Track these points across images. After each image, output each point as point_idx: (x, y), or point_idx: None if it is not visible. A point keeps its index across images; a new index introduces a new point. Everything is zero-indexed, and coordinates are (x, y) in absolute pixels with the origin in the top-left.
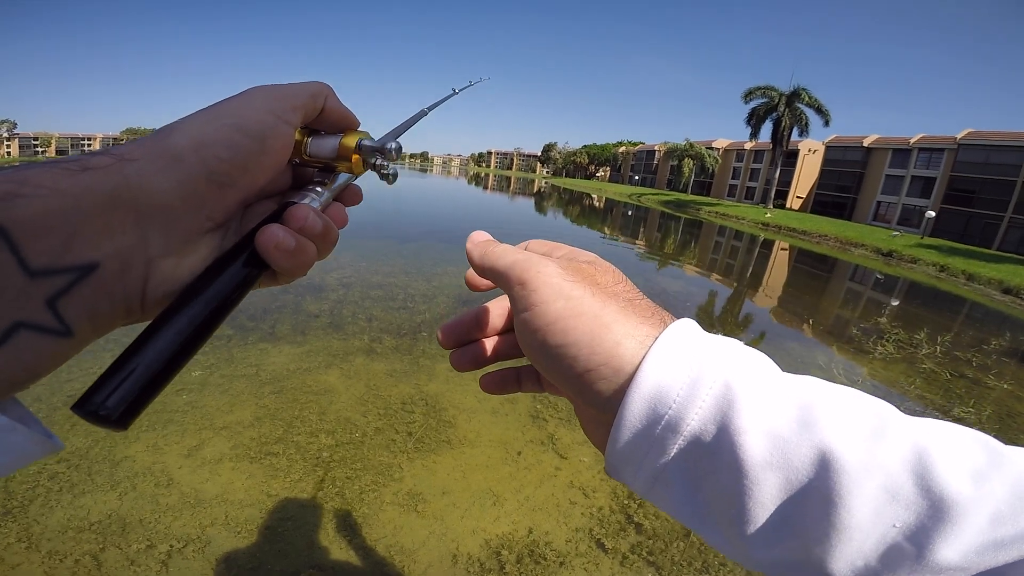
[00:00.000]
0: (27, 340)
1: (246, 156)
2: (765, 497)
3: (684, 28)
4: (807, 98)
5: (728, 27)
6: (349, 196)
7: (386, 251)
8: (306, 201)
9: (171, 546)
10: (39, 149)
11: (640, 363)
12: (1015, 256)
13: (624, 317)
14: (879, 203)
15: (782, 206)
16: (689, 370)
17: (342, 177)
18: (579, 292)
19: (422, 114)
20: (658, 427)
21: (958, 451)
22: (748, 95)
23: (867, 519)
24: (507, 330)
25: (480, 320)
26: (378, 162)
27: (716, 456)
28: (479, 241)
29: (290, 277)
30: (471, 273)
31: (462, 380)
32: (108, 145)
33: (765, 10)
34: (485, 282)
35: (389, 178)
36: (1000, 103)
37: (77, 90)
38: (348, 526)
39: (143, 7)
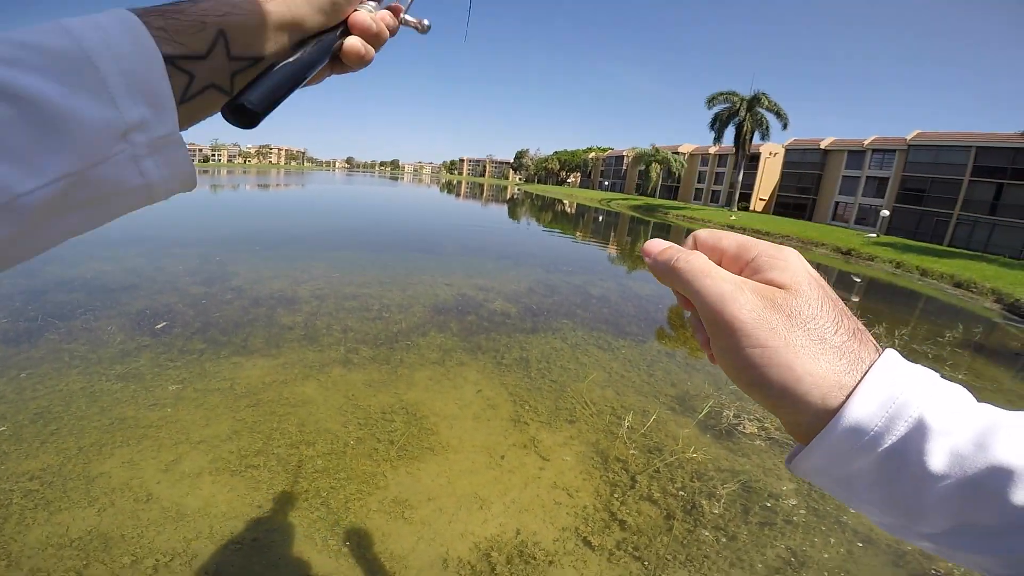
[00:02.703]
0: (211, 95)
1: None
2: (940, 500)
3: (650, 36)
4: (767, 102)
5: (691, 35)
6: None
7: (359, 261)
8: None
9: (157, 560)
10: None
11: (840, 407)
12: (965, 251)
13: (817, 367)
14: (837, 203)
15: (746, 208)
16: (887, 408)
17: None
18: (775, 342)
19: None
20: (852, 451)
21: None
22: (711, 100)
23: None
24: None
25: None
26: None
27: (902, 471)
28: (657, 252)
29: (359, 61)
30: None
31: (442, 388)
32: None
33: (727, 20)
34: None
35: (423, 27)
36: (947, 105)
37: None
38: (336, 535)
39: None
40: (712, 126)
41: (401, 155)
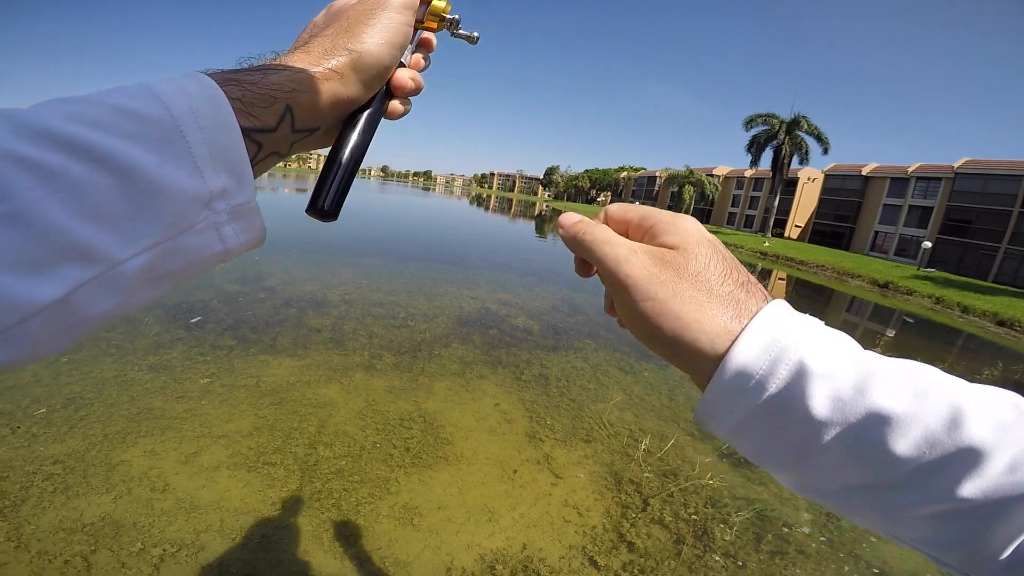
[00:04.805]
0: (272, 160)
1: (395, 60)
2: (826, 447)
3: (689, 56)
4: (807, 126)
5: (732, 54)
6: (425, 46)
7: (388, 270)
8: (405, 60)
9: (164, 550)
10: None
11: (726, 352)
12: (1010, 288)
13: (703, 315)
14: (876, 233)
15: (780, 235)
16: (770, 353)
17: (418, 33)
18: (663, 294)
19: None
20: (741, 396)
21: (989, 407)
22: (749, 122)
23: (908, 463)
24: None
25: None
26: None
27: (788, 416)
28: (569, 224)
29: (401, 116)
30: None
31: (460, 399)
32: None
33: (769, 39)
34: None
35: (473, 38)
36: (997, 132)
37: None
38: (343, 537)
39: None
40: (749, 149)
41: (434, 166)
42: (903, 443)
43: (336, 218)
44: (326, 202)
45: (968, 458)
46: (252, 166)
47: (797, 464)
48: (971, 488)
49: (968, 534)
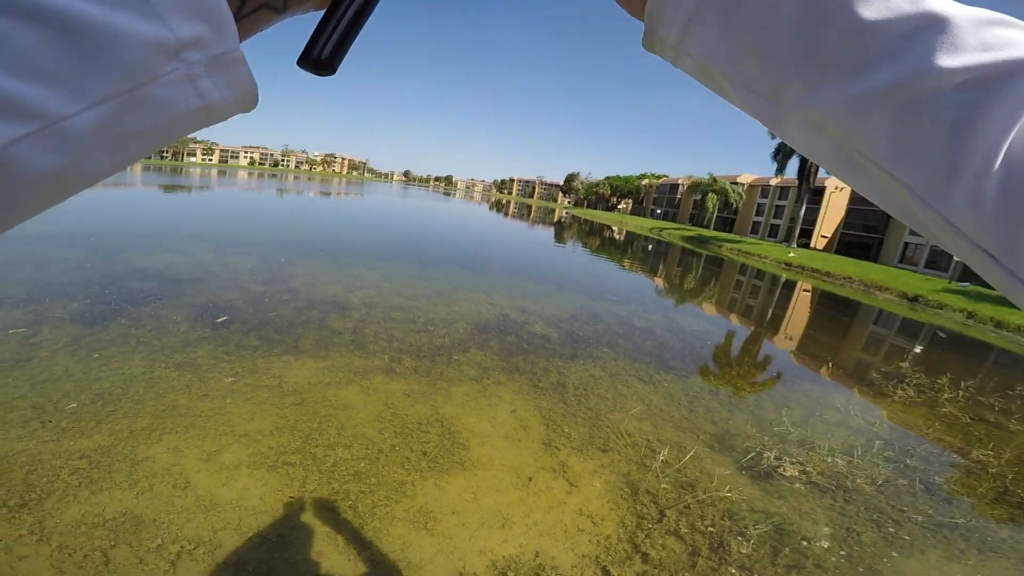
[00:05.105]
0: (264, 14)
1: None
2: (787, 19)
3: None
4: None
5: None
6: None
7: (409, 274)
8: None
9: (181, 547)
10: None
11: None
12: None
13: None
14: (906, 244)
15: (806, 245)
16: None
17: None
18: None
19: None
20: None
21: None
22: None
23: (873, 30)
24: None
25: None
26: None
27: None
28: None
29: None
30: None
31: (478, 405)
32: None
33: None
34: None
35: None
36: None
37: None
38: (358, 539)
39: None
40: (775, 156)
41: (455, 171)
42: (866, 9)
43: (334, 72)
44: (324, 51)
45: (936, 25)
46: (238, 19)
47: (760, 52)
48: (945, 58)
49: (946, 130)
